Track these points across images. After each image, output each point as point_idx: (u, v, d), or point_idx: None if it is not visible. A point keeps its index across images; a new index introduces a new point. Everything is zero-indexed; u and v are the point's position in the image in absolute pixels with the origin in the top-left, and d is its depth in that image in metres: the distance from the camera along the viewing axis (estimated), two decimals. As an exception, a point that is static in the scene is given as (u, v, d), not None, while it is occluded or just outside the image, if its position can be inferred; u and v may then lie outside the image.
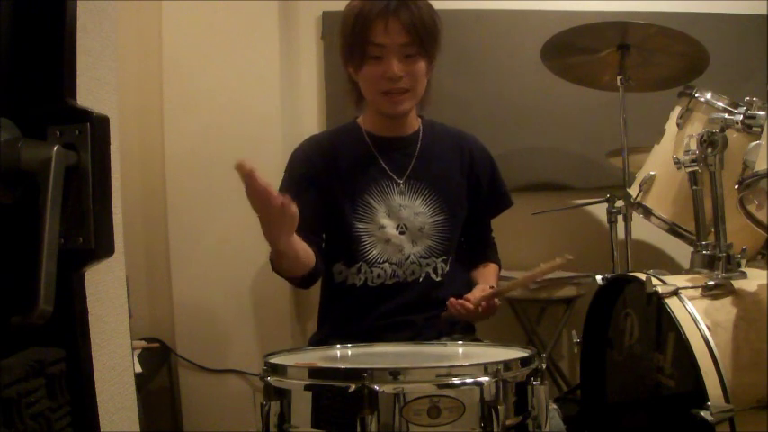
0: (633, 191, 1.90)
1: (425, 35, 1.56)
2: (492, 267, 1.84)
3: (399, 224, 1.66)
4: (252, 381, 2.22)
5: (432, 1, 1.62)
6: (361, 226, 1.66)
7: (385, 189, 1.67)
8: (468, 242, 1.83)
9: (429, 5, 1.61)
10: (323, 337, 1.69)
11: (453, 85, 2.49)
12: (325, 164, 1.69)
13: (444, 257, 1.69)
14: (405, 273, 1.65)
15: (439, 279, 1.68)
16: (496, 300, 1.58)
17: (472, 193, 1.77)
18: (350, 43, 1.59)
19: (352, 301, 1.67)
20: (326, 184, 1.67)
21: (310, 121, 2.54)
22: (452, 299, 1.57)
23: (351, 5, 1.61)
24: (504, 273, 2.31)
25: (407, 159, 1.71)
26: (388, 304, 1.65)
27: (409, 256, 1.66)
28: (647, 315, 1.54)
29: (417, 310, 1.65)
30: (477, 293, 1.59)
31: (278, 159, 2.21)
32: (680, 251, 2.35)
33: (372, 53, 1.56)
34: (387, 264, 1.65)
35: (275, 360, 1.13)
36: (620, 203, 2.12)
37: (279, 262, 1.53)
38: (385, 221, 1.66)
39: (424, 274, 1.66)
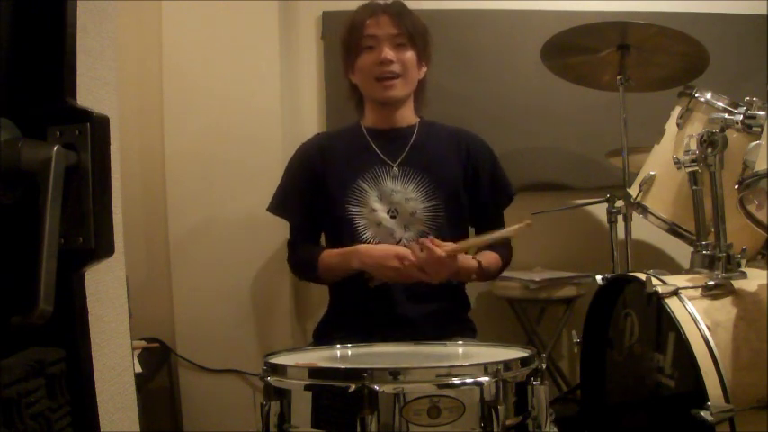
0: (633, 191, 1.90)
1: (413, 28, 1.73)
2: (488, 254, 1.79)
3: (391, 208, 1.72)
4: (252, 381, 2.22)
5: (433, 1, 1.66)
6: (353, 209, 1.72)
7: (378, 174, 1.74)
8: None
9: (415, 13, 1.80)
10: (331, 318, 1.81)
11: (453, 85, 2.49)
12: (321, 154, 1.80)
13: None
14: None
15: None
16: (460, 261, 1.63)
17: (471, 184, 1.79)
18: (347, 42, 1.76)
19: (351, 281, 1.70)
20: (321, 170, 1.76)
21: (310, 121, 2.54)
22: (427, 239, 1.58)
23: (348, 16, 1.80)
24: (503, 272, 2.31)
25: (402, 147, 1.77)
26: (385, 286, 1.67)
27: (401, 240, 1.71)
28: (647, 315, 1.54)
29: (414, 298, 1.68)
30: (448, 247, 1.59)
31: (278, 159, 2.21)
32: (680, 251, 2.35)
33: (366, 44, 1.72)
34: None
35: (275, 360, 1.14)
36: (620, 203, 2.12)
37: (331, 276, 1.74)
38: (376, 205, 1.72)
39: None
